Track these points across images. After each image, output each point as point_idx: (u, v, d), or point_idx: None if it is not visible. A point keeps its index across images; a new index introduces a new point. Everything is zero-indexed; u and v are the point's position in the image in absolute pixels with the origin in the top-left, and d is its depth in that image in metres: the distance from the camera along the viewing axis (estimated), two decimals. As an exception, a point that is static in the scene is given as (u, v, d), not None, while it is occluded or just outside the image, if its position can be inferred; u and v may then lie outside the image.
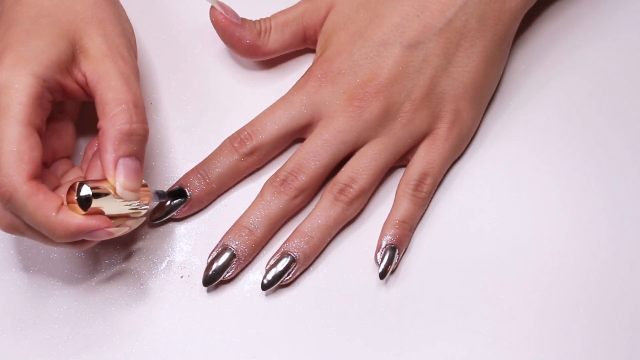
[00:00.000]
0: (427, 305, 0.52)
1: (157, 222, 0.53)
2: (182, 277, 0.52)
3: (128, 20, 0.52)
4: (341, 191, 0.52)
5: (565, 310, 0.51)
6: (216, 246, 0.51)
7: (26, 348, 0.50)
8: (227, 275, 0.51)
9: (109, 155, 0.45)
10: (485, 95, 0.55)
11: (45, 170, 0.48)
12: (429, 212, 0.54)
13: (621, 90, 0.57)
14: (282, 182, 0.52)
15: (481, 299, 0.52)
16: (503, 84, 0.57)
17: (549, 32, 0.58)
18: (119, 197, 0.46)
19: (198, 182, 0.52)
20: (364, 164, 0.52)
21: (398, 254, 0.52)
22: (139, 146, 0.46)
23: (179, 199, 0.52)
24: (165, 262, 0.52)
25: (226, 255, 0.51)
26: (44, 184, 0.45)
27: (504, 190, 0.54)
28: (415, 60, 0.52)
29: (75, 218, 0.45)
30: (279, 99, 0.54)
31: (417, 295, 0.52)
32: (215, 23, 0.54)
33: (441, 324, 0.51)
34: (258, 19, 0.55)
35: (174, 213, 0.52)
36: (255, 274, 0.52)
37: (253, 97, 0.56)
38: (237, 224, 0.52)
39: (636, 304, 0.52)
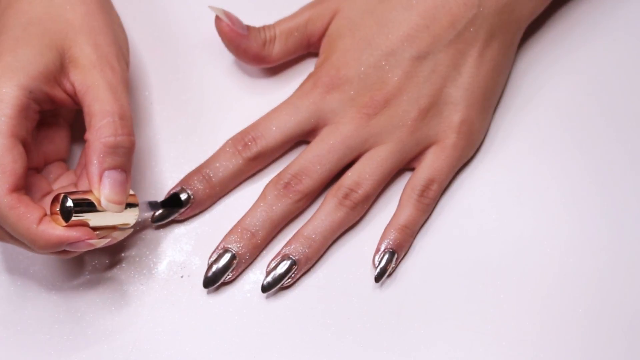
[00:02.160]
0: (427, 305, 0.52)
1: (160, 223, 0.53)
2: (182, 277, 0.52)
3: (122, 27, 0.51)
4: (346, 196, 0.52)
5: (565, 310, 0.51)
6: (216, 248, 0.51)
7: (26, 348, 0.50)
8: (227, 278, 0.51)
9: (94, 168, 0.45)
10: (493, 103, 0.55)
11: (35, 176, 0.48)
12: (429, 212, 0.54)
13: (621, 91, 0.57)
14: (285, 185, 0.52)
15: (481, 299, 0.52)
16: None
17: (549, 32, 0.58)
18: (104, 210, 0.46)
19: (201, 185, 0.52)
20: (370, 169, 0.52)
21: (397, 258, 0.52)
22: (125, 158, 0.46)
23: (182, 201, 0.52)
24: (165, 262, 0.52)
25: (226, 258, 0.51)
26: (27, 195, 0.45)
27: (504, 190, 0.54)
28: (424, 70, 0.52)
29: (56, 230, 0.45)
30: (284, 103, 0.53)
31: (417, 295, 0.52)
32: (222, 34, 0.54)
33: (441, 324, 0.51)
34: (262, 25, 0.55)
35: (176, 215, 0.52)
36: (256, 274, 0.52)
37: (253, 97, 0.56)
38: (239, 225, 0.52)
39: (636, 304, 0.52)
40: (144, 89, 0.56)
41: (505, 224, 0.53)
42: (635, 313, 0.51)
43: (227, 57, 0.57)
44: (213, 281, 0.51)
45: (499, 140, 0.55)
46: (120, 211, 0.47)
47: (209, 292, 0.52)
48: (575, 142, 0.55)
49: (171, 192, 0.52)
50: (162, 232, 0.53)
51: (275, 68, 0.57)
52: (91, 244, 0.46)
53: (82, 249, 0.46)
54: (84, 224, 0.46)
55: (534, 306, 0.52)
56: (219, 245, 0.51)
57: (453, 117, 0.52)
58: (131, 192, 0.48)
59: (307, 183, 0.52)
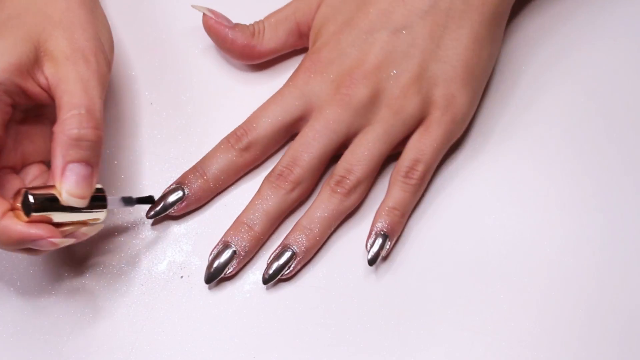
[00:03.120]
0: (427, 305, 0.52)
1: (154, 218, 0.53)
2: (182, 277, 0.52)
3: (106, 26, 0.51)
4: (338, 183, 0.52)
5: (565, 310, 0.51)
6: (217, 244, 0.52)
7: (26, 348, 0.50)
8: (228, 272, 0.51)
9: (57, 161, 0.45)
10: (478, 77, 0.53)
11: (11, 176, 0.48)
12: (428, 212, 0.54)
13: (621, 91, 0.57)
14: (278, 177, 0.52)
15: (481, 299, 0.52)
16: (503, 84, 0.57)
17: (549, 32, 0.58)
18: (66, 204, 0.45)
19: (195, 180, 0.52)
20: (358, 154, 0.52)
21: (389, 241, 0.51)
22: (91, 152, 0.45)
23: (176, 198, 0.52)
24: (165, 262, 0.53)
25: (227, 252, 0.51)
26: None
27: (504, 191, 0.54)
28: (402, 44, 0.52)
29: (18, 225, 0.44)
30: (273, 95, 0.54)
31: (417, 296, 0.52)
32: (208, 28, 0.54)
33: (441, 324, 0.51)
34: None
35: (171, 210, 0.52)
36: (255, 274, 0.52)
37: (253, 97, 0.56)
38: (237, 221, 0.52)
39: (635, 303, 0.52)
40: (143, 89, 0.56)
41: (505, 224, 0.53)
42: (635, 313, 0.52)
43: (227, 57, 0.57)
44: (214, 276, 0.51)
45: (499, 141, 0.55)
46: (83, 205, 0.45)
47: (209, 288, 0.52)
48: (575, 143, 0.55)
49: (166, 190, 0.52)
50: (161, 232, 0.53)
51: (275, 68, 0.57)
52: (53, 243, 0.45)
53: (45, 247, 0.45)
54: (47, 220, 0.45)
55: (534, 306, 0.52)
56: (219, 241, 0.52)
57: (434, 92, 0.52)
58: (99, 185, 0.47)
59: (298, 172, 0.52)
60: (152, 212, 0.52)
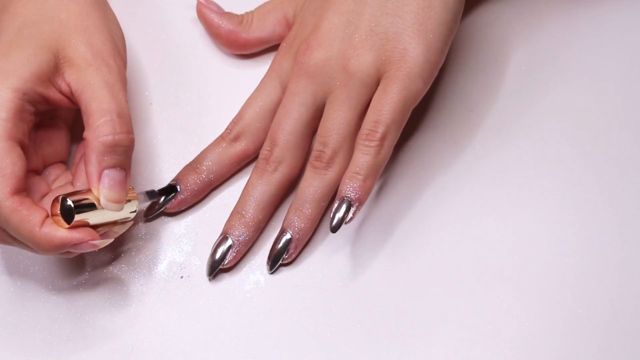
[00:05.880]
0: (427, 305, 0.52)
1: (151, 217, 0.53)
2: (182, 277, 0.52)
3: (118, 25, 0.51)
4: (317, 158, 0.51)
5: (565, 310, 0.51)
6: (217, 239, 0.52)
7: (26, 348, 0.50)
8: (226, 263, 0.51)
9: (93, 168, 0.46)
10: (434, 30, 0.50)
11: (35, 178, 0.48)
12: (428, 212, 0.54)
13: (622, 91, 0.57)
14: (261, 162, 0.52)
15: (481, 299, 0.52)
16: (501, 84, 0.57)
17: (549, 32, 0.58)
18: (103, 208, 0.46)
19: (190, 175, 0.53)
20: (328, 125, 0.51)
21: (353, 206, 0.50)
22: (124, 156, 0.46)
23: (171, 195, 0.53)
24: (166, 262, 0.53)
25: (225, 243, 0.52)
26: (29, 197, 0.45)
27: (504, 191, 0.54)
28: (352, 3, 0.51)
29: (59, 232, 0.45)
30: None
31: (417, 296, 0.52)
32: (198, 13, 0.56)
33: (441, 325, 0.51)
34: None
35: (166, 206, 0.53)
36: (255, 274, 0.52)
37: (253, 97, 0.56)
38: (232, 212, 0.52)
39: (636, 304, 0.52)
40: (143, 89, 0.56)
41: (505, 224, 0.53)
42: (635, 313, 0.51)
43: (227, 57, 0.57)
44: (214, 268, 0.51)
45: (498, 141, 0.55)
46: (120, 210, 0.47)
47: (209, 289, 0.52)
48: (575, 143, 0.55)
49: (161, 188, 0.53)
50: (162, 232, 0.53)
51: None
52: (94, 245, 0.46)
53: (85, 249, 0.46)
54: (84, 224, 0.46)
55: (534, 306, 0.52)
56: (219, 236, 0.52)
57: (387, 47, 0.50)
58: (130, 186, 0.48)
59: (277, 152, 0.52)
60: (149, 212, 0.53)
